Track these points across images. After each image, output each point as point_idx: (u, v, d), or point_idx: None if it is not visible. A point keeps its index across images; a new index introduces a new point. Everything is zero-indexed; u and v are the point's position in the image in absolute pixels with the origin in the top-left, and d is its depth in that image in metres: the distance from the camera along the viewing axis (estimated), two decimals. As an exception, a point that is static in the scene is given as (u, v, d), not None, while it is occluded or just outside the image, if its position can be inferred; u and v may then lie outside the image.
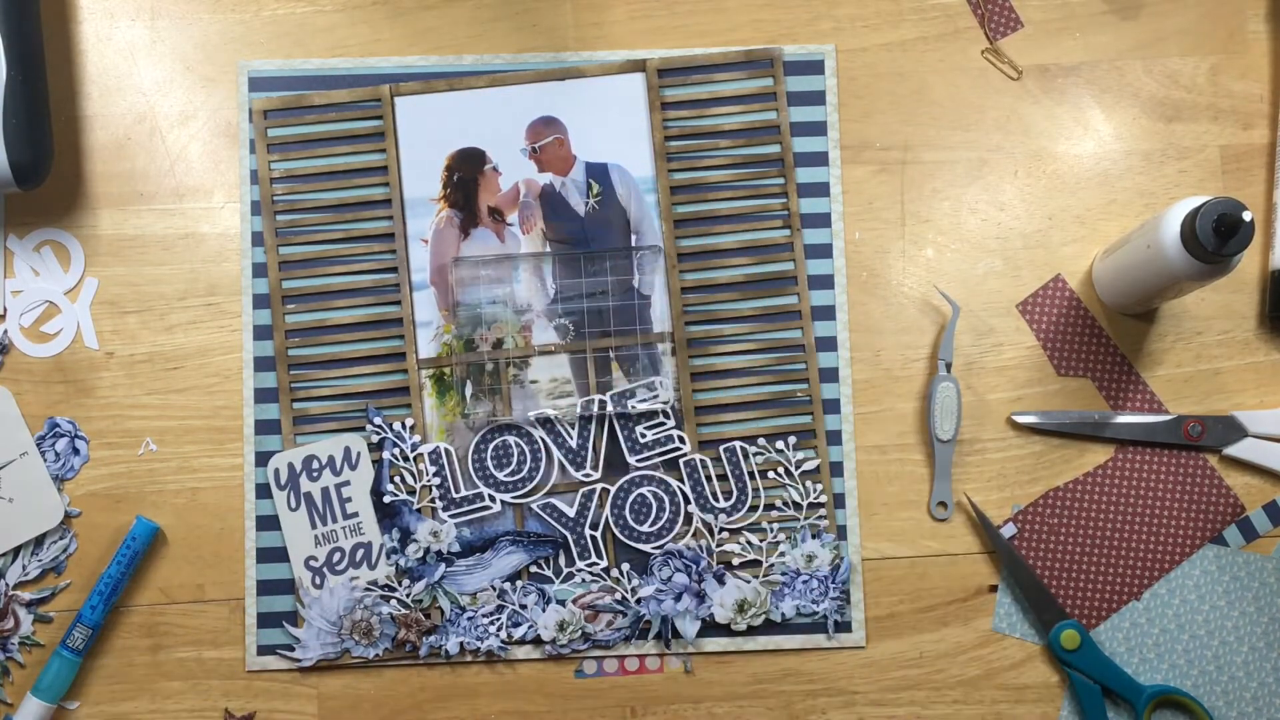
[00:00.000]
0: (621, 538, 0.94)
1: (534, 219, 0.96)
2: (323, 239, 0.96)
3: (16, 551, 0.93)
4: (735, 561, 0.94)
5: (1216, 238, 0.81)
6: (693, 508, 0.94)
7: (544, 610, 0.93)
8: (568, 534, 0.94)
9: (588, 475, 0.94)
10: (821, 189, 0.97)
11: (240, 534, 0.94)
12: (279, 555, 0.94)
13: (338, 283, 0.95)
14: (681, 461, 0.94)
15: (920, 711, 0.94)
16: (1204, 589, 0.94)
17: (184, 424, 0.94)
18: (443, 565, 0.93)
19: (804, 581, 0.94)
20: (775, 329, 0.96)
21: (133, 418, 0.94)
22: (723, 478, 0.94)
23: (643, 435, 0.94)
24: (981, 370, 0.96)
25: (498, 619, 0.93)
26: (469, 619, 0.93)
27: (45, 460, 0.93)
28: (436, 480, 0.94)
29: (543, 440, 0.94)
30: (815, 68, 0.97)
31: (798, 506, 0.94)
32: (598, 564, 0.94)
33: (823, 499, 0.94)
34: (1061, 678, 0.94)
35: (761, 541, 0.94)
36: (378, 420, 0.94)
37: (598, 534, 0.94)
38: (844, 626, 0.94)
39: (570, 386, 0.95)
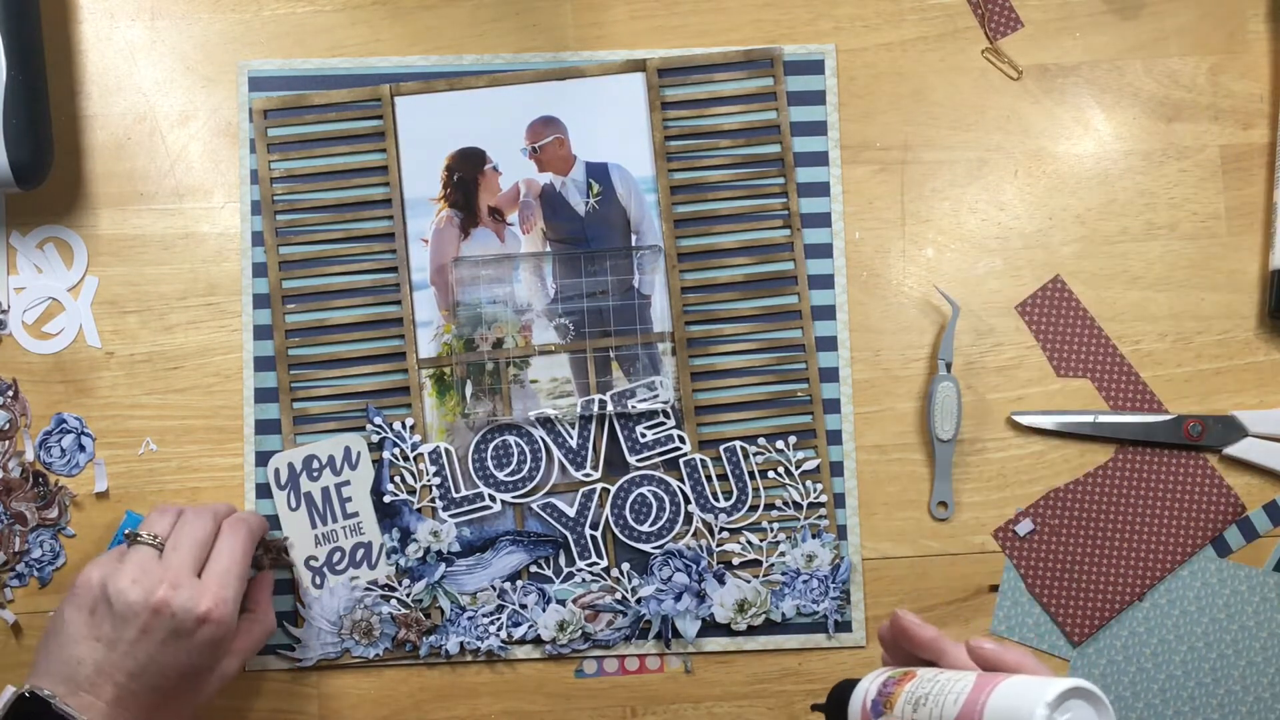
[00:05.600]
0: (621, 537, 0.94)
1: (534, 219, 0.96)
2: (323, 239, 0.96)
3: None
4: (735, 561, 0.94)
5: None
6: (693, 508, 0.94)
7: (544, 610, 0.93)
8: (568, 534, 0.94)
9: (588, 475, 0.94)
10: (821, 189, 0.97)
11: (240, 534, 0.94)
12: (279, 555, 0.94)
13: (338, 283, 0.95)
14: (681, 461, 0.94)
15: (920, 711, 0.94)
16: (1204, 601, 0.94)
17: (184, 424, 0.94)
18: (443, 565, 0.93)
19: (804, 581, 0.94)
20: (775, 329, 0.96)
21: (133, 418, 0.94)
22: (723, 478, 0.94)
23: (643, 435, 0.94)
24: (981, 370, 0.96)
25: (498, 619, 0.93)
26: (469, 619, 0.93)
27: (51, 456, 0.93)
28: (436, 480, 0.94)
29: (543, 440, 0.94)
30: (815, 68, 0.97)
31: (798, 506, 0.94)
32: (598, 564, 0.94)
33: (823, 499, 0.94)
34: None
35: (761, 541, 0.94)
36: (378, 420, 0.94)
37: (598, 534, 0.94)
38: (844, 626, 0.94)
39: (570, 386, 0.95)
